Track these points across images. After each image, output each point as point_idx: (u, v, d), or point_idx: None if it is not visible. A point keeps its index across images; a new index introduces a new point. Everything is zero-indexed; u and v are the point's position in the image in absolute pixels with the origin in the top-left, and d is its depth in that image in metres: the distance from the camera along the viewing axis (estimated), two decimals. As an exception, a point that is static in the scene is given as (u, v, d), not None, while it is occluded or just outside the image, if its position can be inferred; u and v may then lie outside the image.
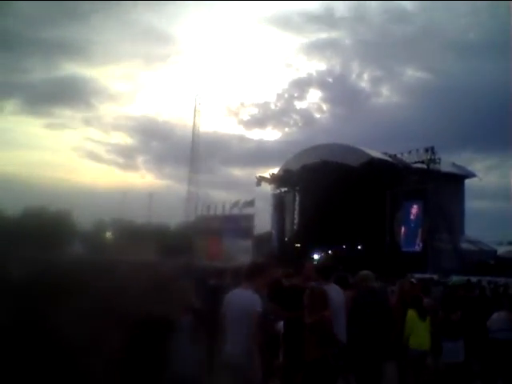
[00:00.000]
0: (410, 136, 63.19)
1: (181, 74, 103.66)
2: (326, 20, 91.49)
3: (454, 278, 17.53)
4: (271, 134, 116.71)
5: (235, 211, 46.49)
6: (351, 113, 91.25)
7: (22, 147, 79.85)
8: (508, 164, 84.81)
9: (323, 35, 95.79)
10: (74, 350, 1.43)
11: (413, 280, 8.96)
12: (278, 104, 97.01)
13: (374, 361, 6.08)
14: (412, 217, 36.05)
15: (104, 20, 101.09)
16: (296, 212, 45.82)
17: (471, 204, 45.68)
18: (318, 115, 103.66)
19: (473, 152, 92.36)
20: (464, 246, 36.45)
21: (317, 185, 38.26)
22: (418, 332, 6.79)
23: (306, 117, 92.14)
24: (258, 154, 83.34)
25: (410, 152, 36.02)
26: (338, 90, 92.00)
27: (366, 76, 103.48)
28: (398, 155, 36.80)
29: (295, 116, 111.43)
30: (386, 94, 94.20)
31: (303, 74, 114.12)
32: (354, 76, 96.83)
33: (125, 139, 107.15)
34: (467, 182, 40.11)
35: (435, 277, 22.59)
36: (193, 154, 54.32)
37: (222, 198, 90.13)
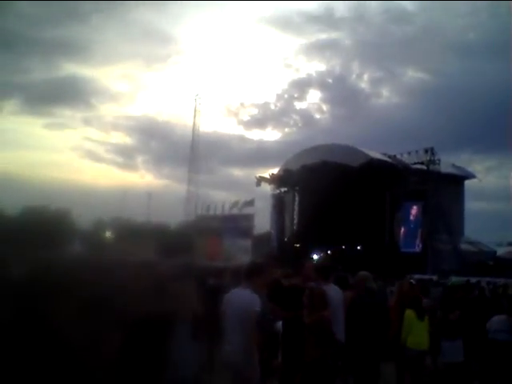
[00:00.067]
0: (410, 137, 63.03)
1: (181, 74, 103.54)
2: (325, 20, 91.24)
3: (454, 279, 17.52)
4: (271, 135, 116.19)
5: (235, 211, 46.54)
6: (351, 113, 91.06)
7: (22, 147, 79.49)
8: (508, 165, 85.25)
9: (323, 35, 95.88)
10: (74, 349, 1.43)
11: (412, 281, 8.98)
12: (278, 104, 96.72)
13: (371, 361, 6.09)
14: (412, 217, 36.06)
15: (104, 20, 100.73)
16: (295, 212, 45.85)
17: (471, 205, 45.65)
18: (317, 116, 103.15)
19: (472, 153, 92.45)
20: (463, 246, 36.45)
21: (316, 185, 38.21)
22: (416, 332, 6.80)
23: (306, 117, 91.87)
24: (258, 154, 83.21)
25: (409, 153, 36.10)
26: (338, 90, 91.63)
27: (365, 76, 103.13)
28: (398, 156, 36.87)
29: (295, 116, 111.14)
30: (386, 95, 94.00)
31: (303, 75, 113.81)
32: (353, 76, 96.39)
33: (124, 139, 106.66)
34: (467, 182, 40.27)
35: (434, 277, 22.56)
36: (193, 154, 54.29)
37: (221, 197, 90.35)
